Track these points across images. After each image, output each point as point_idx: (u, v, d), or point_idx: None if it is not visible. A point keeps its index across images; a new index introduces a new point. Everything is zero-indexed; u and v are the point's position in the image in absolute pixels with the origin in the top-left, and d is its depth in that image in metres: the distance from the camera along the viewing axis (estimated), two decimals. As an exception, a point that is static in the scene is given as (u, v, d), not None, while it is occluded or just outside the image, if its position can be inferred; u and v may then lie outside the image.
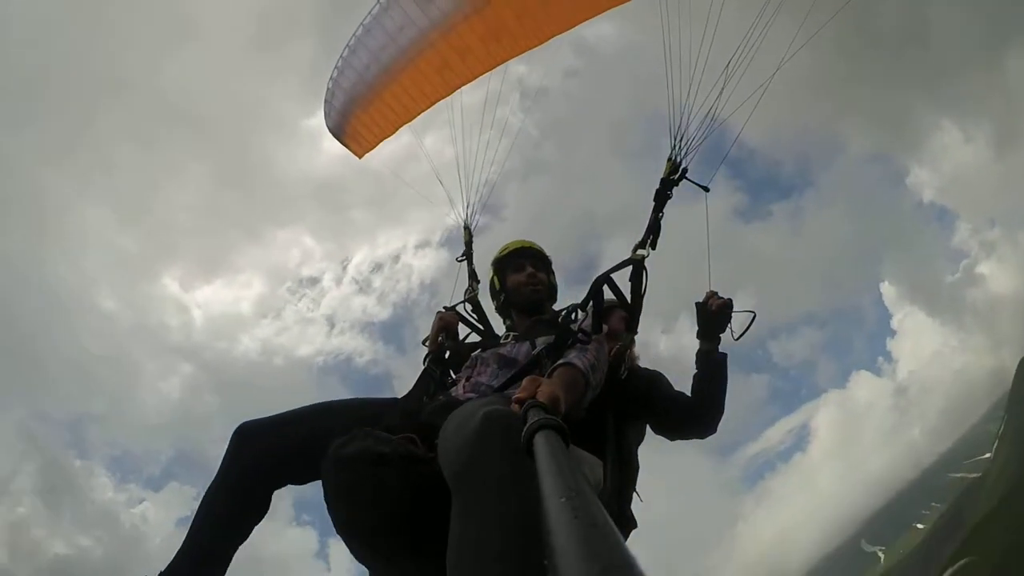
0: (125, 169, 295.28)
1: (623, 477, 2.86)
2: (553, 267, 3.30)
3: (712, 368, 3.05)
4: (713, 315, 3.07)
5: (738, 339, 3.06)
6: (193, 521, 2.21)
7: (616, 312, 3.13)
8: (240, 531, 2.23)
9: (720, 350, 3.09)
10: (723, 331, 3.08)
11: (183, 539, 2.19)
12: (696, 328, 3.13)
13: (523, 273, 3.11)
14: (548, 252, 3.31)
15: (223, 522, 2.22)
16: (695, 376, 3.08)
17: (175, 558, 2.15)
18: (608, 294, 3.00)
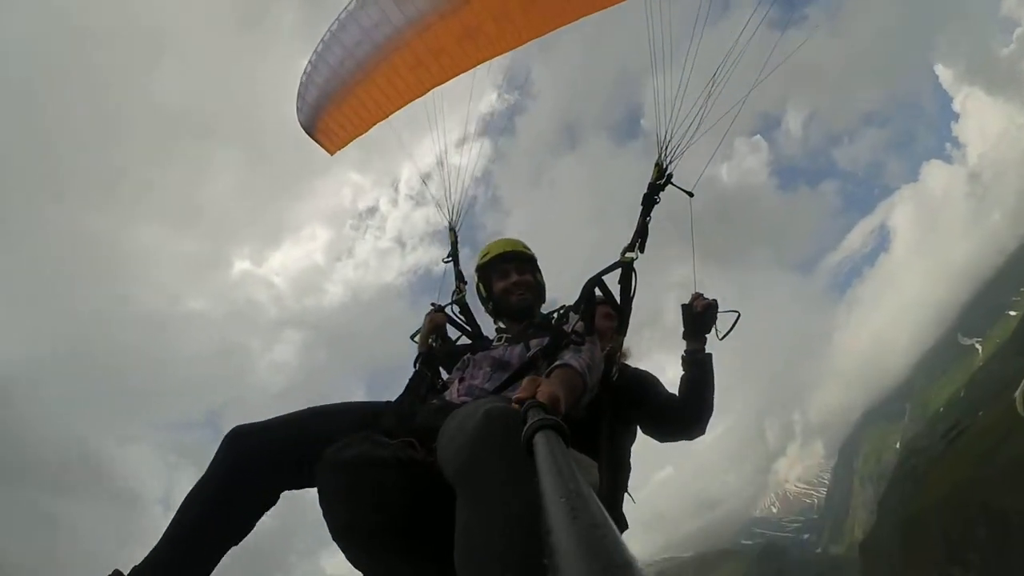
0: (158, 185, 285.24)
1: (616, 479, 2.92)
2: (539, 262, 3.21)
3: (699, 369, 3.10)
4: (698, 316, 3.13)
5: (723, 339, 3.13)
6: (175, 521, 2.08)
7: (601, 308, 3.17)
8: (227, 534, 2.13)
9: (705, 350, 3.14)
10: (709, 331, 3.14)
11: (161, 538, 2.05)
12: (682, 330, 3.18)
13: (508, 280, 3.04)
14: (531, 248, 3.21)
15: (210, 524, 2.10)
16: (683, 378, 3.13)
17: (151, 556, 2.01)
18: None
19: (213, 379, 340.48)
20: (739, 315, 3.12)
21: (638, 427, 3.22)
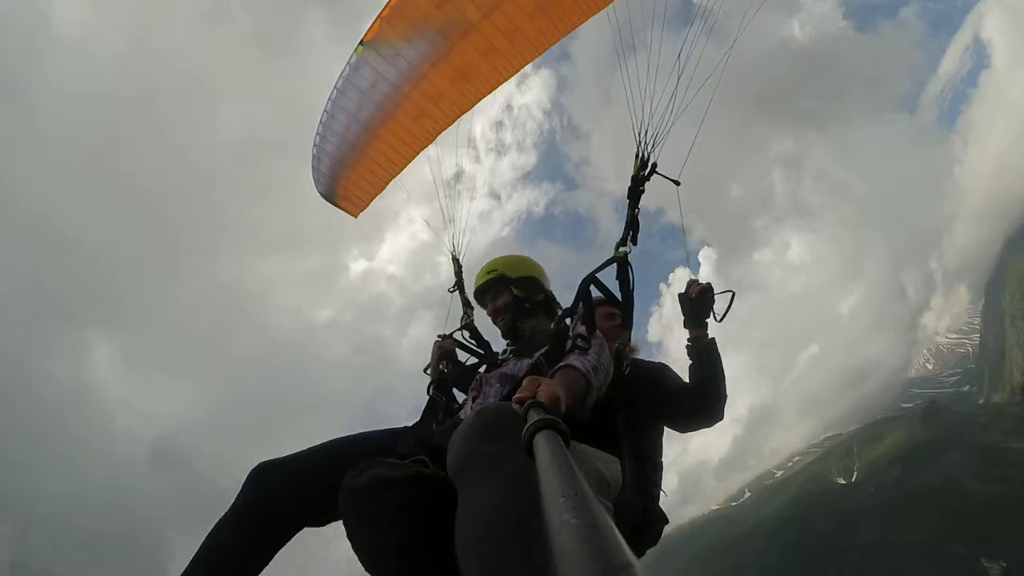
0: (259, 217, 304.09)
1: (643, 472, 2.86)
2: (516, 272, 3.21)
3: (704, 356, 3.01)
4: (695, 302, 3.06)
5: (721, 320, 3.04)
6: (197, 559, 2.14)
7: (599, 309, 3.13)
8: (253, 566, 2.19)
9: (708, 334, 3.06)
10: (708, 315, 3.05)
11: (188, 566, 2.13)
12: (683, 319, 3.11)
13: (488, 310, 3.23)
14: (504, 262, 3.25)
15: (233, 561, 2.17)
16: (690, 368, 3.05)
17: None
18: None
19: (360, 375, 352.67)
20: (733, 294, 3.05)
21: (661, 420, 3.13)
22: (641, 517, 2.66)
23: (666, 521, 2.89)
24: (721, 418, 3.01)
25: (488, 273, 3.22)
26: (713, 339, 3.05)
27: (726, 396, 2.99)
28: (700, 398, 3.00)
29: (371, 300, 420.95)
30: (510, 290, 3.17)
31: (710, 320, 3.07)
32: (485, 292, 3.25)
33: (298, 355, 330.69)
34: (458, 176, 4.50)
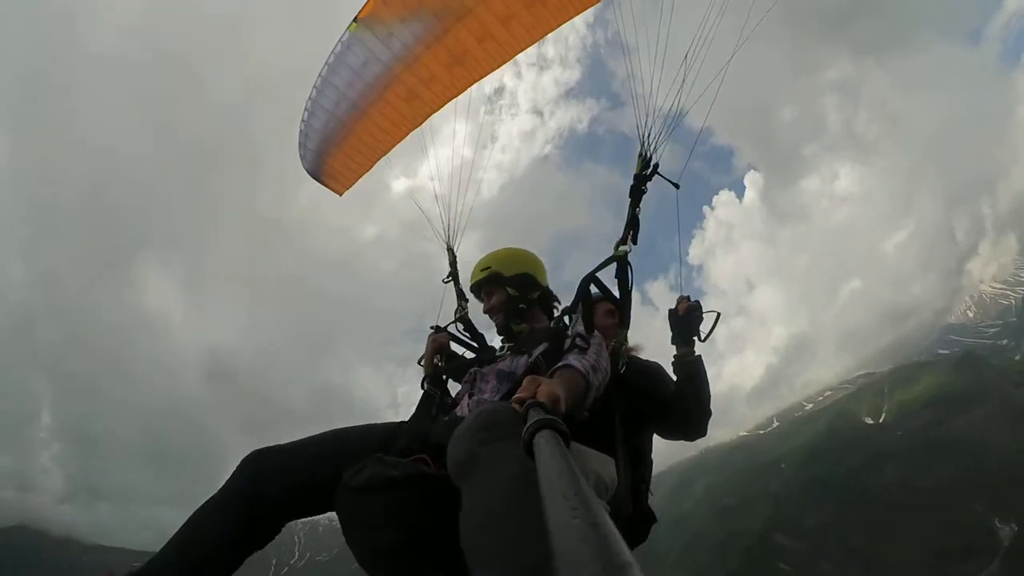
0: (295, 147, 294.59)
1: (636, 472, 2.91)
2: (511, 270, 3.15)
3: (690, 372, 3.07)
4: (683, 319, 3.12)
5: (704, 340, 3.10)
6: (181, 535, 2.11)
7: (600, 305, 3.18)
8: (236, 558, 2.15)
9: (695, 352, 3.11)
10: (695, 333, 3.11)
11: (165, 546, 2.08)
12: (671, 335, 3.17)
13: (484, 307, 3.20)
14: (503, 255, 3.19)
15: (221, 543, 2.13)
16: (676, 383, 3.12)
17: (153, 563, 2.04)
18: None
19: (407, 290, 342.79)
20: (719, 315, 3.10)
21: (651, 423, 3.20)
22: (631, 515, 2.72)
23: (654, 520, 2.96)
24: (704, 434, 3.11)
25: (482, 271, 3.16)
26: (699, 357, 3.09)
27: (710, 413, 3.07)
28: (684, 415, 3.07)
29: (416, 216, 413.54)
30: (504, 289, 3.11)
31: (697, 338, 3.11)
32: (479, 291, 3.22)
33: (344, 273, 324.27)
34: (454, 162, 4.43)
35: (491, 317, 3.16)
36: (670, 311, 3.18)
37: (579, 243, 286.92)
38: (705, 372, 3.08)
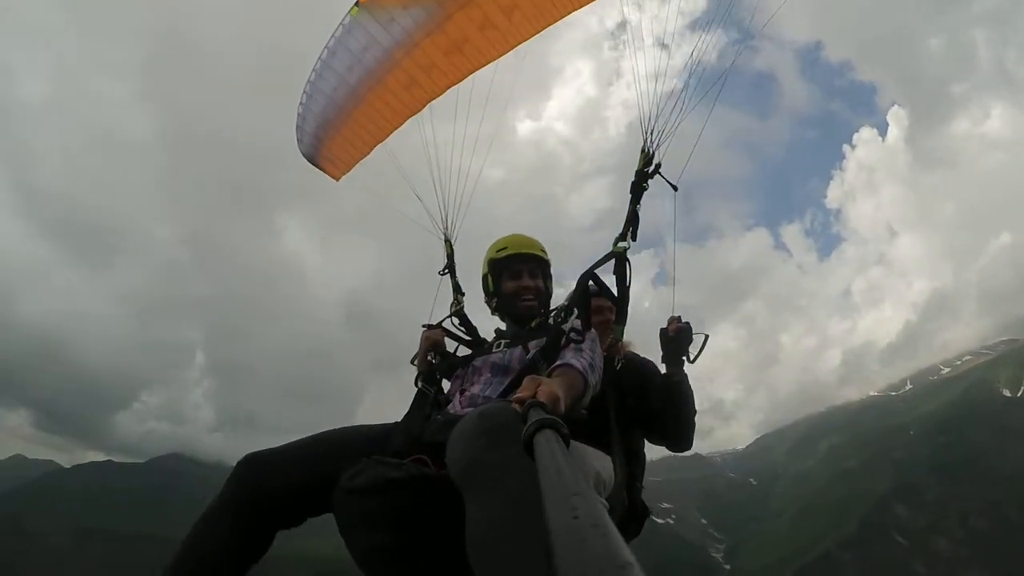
0: None
1: (631, 469, 2.94)
2: (551, 269, 3.12)
3: (672, 392, 3.10)
4: (673, 340, 3.14)
5: (693, 361, 3.12)
6: (182, 551, 2.11)
7: (595, 302, 3.17)
8: (241, 563, 2.15)
9: (682, 371, 3.13)
10: (684, 354, 3.13)
11: (175, 560, 2.09)
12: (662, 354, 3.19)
13: (519, 282, 2.96)
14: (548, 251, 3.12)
15: (219, 555, 2.12)
16: (659, 401, 3.14)
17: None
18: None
19: (529, 231, 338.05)
20: (707, 337, 3.12)
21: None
22: (627, 511, 2.77)
23: (648, 514, 3.03)
24: (689, 447, 3.18)
25: (538, 248, 3.06)
26: (684, 377, 3.11)
27: (694, 426, 3.13)
28: (662, 432, 3.18)
29: (540, 159, 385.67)
30: (546, 281, 3.05)
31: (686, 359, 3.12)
32: (527, 262, 3.00)
33: (470, 216, 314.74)
34: (455, 152, 4.39)
35: (520, 298, 2.97)
36: (661, 331, 3.18)
37: (706, 182, 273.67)
38: (689, 391, 3.10)
